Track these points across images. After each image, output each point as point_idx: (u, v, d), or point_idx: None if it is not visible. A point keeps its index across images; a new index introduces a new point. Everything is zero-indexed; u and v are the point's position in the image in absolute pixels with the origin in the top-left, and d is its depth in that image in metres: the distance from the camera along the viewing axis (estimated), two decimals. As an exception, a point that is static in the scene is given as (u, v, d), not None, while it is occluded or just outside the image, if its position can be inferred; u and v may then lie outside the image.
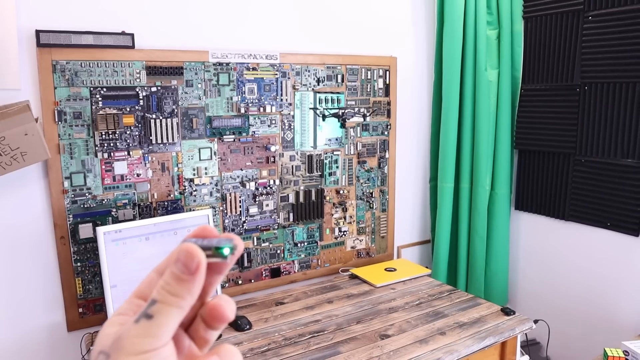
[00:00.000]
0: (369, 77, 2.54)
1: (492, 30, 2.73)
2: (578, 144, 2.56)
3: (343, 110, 2.32)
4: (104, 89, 1.92)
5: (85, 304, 2.00)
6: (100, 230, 1.79)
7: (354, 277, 2.53)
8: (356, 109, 2.36)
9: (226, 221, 2.24)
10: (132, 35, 1.95)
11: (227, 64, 2.15)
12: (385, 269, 2.57)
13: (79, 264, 1.96)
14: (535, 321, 2.19)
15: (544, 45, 2.68)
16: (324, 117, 2.26)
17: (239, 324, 1.98)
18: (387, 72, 2.60)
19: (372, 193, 2.65)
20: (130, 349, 0.34)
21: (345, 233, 2.59)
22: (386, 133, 2.64)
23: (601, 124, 2.46)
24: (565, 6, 2.56)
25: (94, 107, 1.91)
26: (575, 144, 2.58)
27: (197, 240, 0.37)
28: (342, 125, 2.48)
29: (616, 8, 2.35)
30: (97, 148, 1.94)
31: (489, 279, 2.87)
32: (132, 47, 1.96)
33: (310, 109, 2.35)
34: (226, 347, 0.40)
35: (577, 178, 2.60)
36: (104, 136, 1.94)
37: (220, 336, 1.91)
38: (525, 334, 2.20)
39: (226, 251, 0.37)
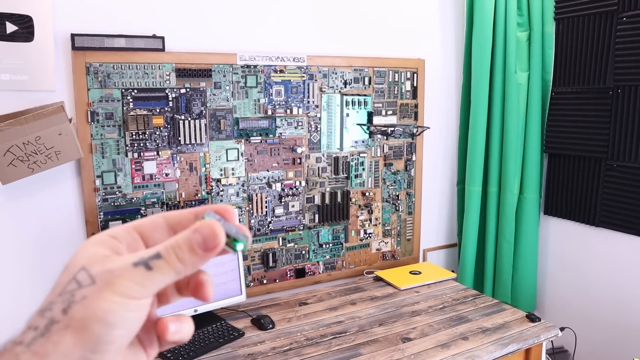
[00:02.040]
0: (396, 79, 2.54)
1: (522, 32, 2.70)
2: (610, 149, 2.51)
3: (392, 129, 2.32)
4: (135, 91, 1.98)
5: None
6: (129, 228, 1.83)
7: (378, 279, 2.53)
8: (403, 128, 2.35)
9: (252, 221, 2.28)
10: (162, 38, 2.00)
11: (255, 66, 2.19)
12: (410, 272, 2.57)
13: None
14: (562, 329, 2.16)
15: (576, 47, 2.64)
16: (370, 134, 2.28)
17: (262, 323, 2.00)
18: (415, 75, 2.59)
19: (398, 195, 2.64)
20: (118, 288, 0.33)
21: (370, 235, 2.60)
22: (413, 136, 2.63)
23: (634, 128, 2.40)
24: (598, 7, 2.51)
25: (125, 108, 1.97)
26: (607, 149, 2.52)
27: (219, 219, 0.37)
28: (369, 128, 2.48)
29: (651, 10, 2.29)
30: (127, 148, 1.99)
31: (517, 284, 2.84)
32: (163, 49, 2.01)
33: (357, 124, 2.37)
34: (188, 319, 0.40)
35: (608, 183, 2.54)
36: (134, 136, 1.99)
37: (242, 333, 1.94)
38: (552, 341, 2.17)
39: (239, 247, 0.37)
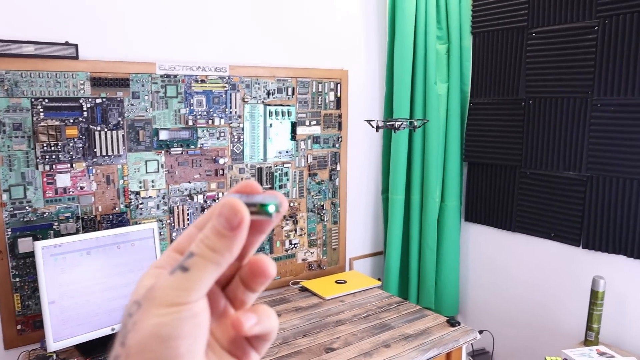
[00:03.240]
0: (320, 89, 2.56)
1: (442, 44, 2.79)
2: (524, 157, 2.63)
3: (399, 122, 2.34)
4: (46, 100, 1.89)
5: (24, 320, 1.95)
6: (38, 245, 1.74)
7: (304, 289, 2.53)
8: (407, 121, 2.39)
9: (174, 234, 2.22)
10: (76, 45, 1.92)
11: (175, 76, 2.14)
12: (336, 282, 2.58)
13: (17, 279, 1.91)
14: (480, 331, 2.23)
15: (492, 60, 2.76)
16: (377, 128, 2.30)
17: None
18: (339, 85, 2.63)
19: (323, 205, 2.66)
20: (161, 299, 0.33)
21: (296, 245, 2.59)
22: (337, 145, 2.66)
23: (545, 138, 2.53)
24: (510, 22, 2.63)
25: (35, 119, 1.87)
26: (521, 157, 2.65)
27: (240, 196, 0.35)
28: (293, 138, 2.49)
29: (557, 25, 2.43)
30: (38, 160, 1.89)
31: (440, 290, 2.92)
32: (76, 57, 1.93)
33: (364, 120, 2.41)
34: (264, 307, 0.38)
35: (522, 190, 2.67)
36: (45, 148, 1.90)
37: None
38: (472, 344, 2.24)
39: (271, 208, 0.35)
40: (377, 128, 2.34)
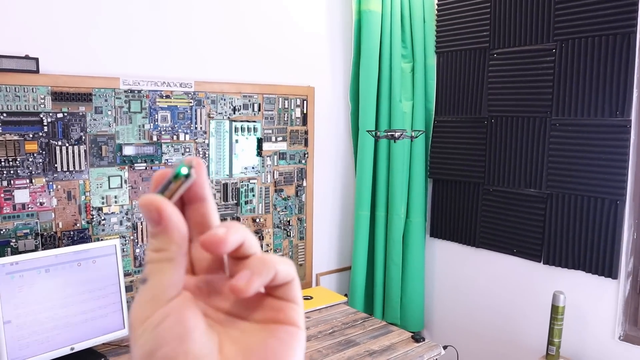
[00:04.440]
0: (286, 106, 2.57)
1: (406, 63, 2.84)
2: (487, 174, 2.69)
3: (399, 133, 2.35)
4: (4, 114, 1.84)
5: (-21, 340, 1.88)
6: (-5, 262, 1.69)
7: (270, 306, 2.51)
8: (404, 132, 2.42)
9: (137, 250, 2.19)
10: (36, 59, 1.89)
11: (139, 91, 2.13)
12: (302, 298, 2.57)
13: (-28, 298, 1.85)
14: (445, 347, 2.25)
15: (455, 79, 2.82)
16: (377, 138, 2.36)
17: None
18: (305, 102, 2.64)
19: (289, 221, 2.66)
20: (135, 320, 0.32)
21: (262, 261, 2.57)
22: (304, 162, 2.67)
23: (506, 155, 2.59)
24: (473, 43, 2.70)
25: (-7, 133, 1.83)
26: (484, 174, 2.70)
27: (156, 189, 0.33)
28: (259, 154, 2.49)
29: (517, 47, 2.51)
30: (-5, 176, 1.85)
31: (405, 305, 2.93)
32: (37, 71, 1.90)
33: (367, 131, 2.48)
34: (256, 256, 0.34)
35: (486, 207, 2.72)
36: (3, 163, 1.86)
37: None
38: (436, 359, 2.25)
39: (184, 170, 0.32)
40: (377, 138, 2.37)
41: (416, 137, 2.58)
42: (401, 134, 2.37)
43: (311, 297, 2.58)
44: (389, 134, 2.39)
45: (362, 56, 2.75)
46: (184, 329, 0.32)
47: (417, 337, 2.17)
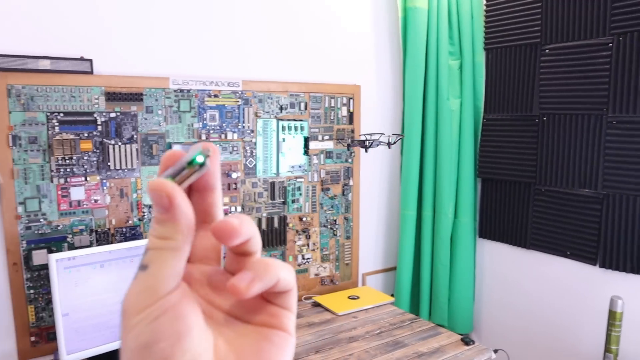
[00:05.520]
0: (332, 104, 2.56)
1: (454, 60, 2.79)
2: (538, 174, 2.61)
3: (370, 140, 2.31)
4: (61, 114, 1.91)
5: (38, 332, 1.95)
6: (52, 257, 1.75)
7: (316, 305, 2.51)
8: (381, 137, 2.35)
9: (186, 248, 2.22)
10: (90, 60, 1.95)
11: (188, 90, 2.16)
12: (349, 297, 2.56)
13: (32, 291, 1.92)
14: (495, 351, 2.19)
15: (505, 76, 2.75)
16: (348, 146, 2.27)
17: (194, 354, 1.94)
18: (351, 100, 2.63)
19: (335, 220, 2.65)
20: (132, 308, 0.31)
21: (308, 260, 2.58)
22: (350, 160, 2.66)
23: (559, 154, 2.51)
24: (523, 39, 2.63)
25: (50, 132, 1.89)
26: (535, 174, 2.62)
27: (166, 172, 0.32)
28: (306, 153, 2.49)
29: (571, 42, 2.42)
30: (53, 173, 1.91)
31: (453, 307, 2.88)
32: (91, 72, 1.95)
33: (335, 139, 2.41)
34: (259, 259, 0.34)
35: (537, 207, 2.64)
36: (60, 161, 1.92)
37: None
38: (486, 363, 2.20)
39: (199, 159, 0.31)
40: (349, 146, 2.31)
41: (394, 142, 2.44)
42: (372, 142, 2.26)
43: (358, 297, 2.56)
44: (356, 141, 2.29)
45: (407, 54, 2.72)
46: (184, 326, 0.31)
47: (466, 340, 2.12)
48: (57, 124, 1.90)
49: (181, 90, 2.14)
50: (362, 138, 2.17)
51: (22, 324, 1.92)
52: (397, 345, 2.09)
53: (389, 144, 2.35)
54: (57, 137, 1.90)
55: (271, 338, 0.35)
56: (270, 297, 0.35)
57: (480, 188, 2.96)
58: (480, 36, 2.83)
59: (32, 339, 1.95)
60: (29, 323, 1.93)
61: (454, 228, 2.85)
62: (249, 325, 0.35)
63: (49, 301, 1.94)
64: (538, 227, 2.64)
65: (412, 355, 2.00)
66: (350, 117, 2.64)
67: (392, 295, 2.79)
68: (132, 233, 2.09)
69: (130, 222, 2.09)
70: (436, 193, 2.80)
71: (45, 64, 1.86)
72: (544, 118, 2.56)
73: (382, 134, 2.36)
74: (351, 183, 2.68)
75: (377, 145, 2.29)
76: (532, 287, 2.72)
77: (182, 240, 0.31)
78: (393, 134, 2.57)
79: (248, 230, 0.33)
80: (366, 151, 2.37)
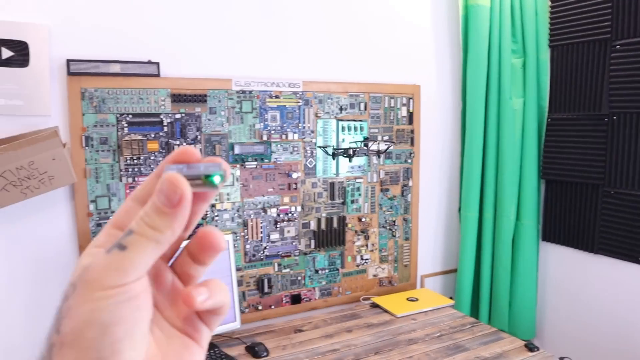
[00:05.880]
0: (392, 105, 2.54)
1: (517, 58, 2.72)
2: (607, 175, 2.50)
3: (354, 149, 2.28)
4: (130, 116, 1.98)
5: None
6: (121, 253, 1.81)
7: (375, 306, 2.50)
8: (371, 144, 2.30)
9: (247, 246, 2.26)
10: (157, 64, 2.01)
11: (250, 91, 2.19)
12: (407, 299, 2.54)
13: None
14: (561, 358, 2.12)
15: (571, 74, 2.65)
16: (333, 155, 2.26)
17: (256, 351, 1.97)
18: (411, 100, 2.60)
19: (394, 221, 2.63)
20: (97, 282, 0.30)
21: (367, 261, 2.57)
22: (410, 161, 2.63)
23: (631, 155, 2.40)
24: (592, 35, 2.53)
25: (119, 133, 1.97)
26: (604, 175, 2.52)
27: (181, 168, 0.33)
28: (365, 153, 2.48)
29: (644, 37, 2.31)
30: (122, 173, 1.98)
31: (515, 311, 2.80)
32: (158, 75, 2.01)
33: (318, 147, 2.34)
34: (215, 280, 0.37)
35: (606, 210, 2.53)
36: (128, 161, 1.99)
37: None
38: (551, 370, 2.13)
39: (217, 179, 0.33)
40: (334, 155, 2.23)
41: (384, 151, 2.29)
42: (357, 151, 2.15)
43: (417, 299, 2.53)
44: (340, 150, 2.16)
45: (469, 52, 2.67)
46: (141, 317, 0.32)
47: (530, 346, 2.06)
48: (126, 125, 1.97)
49: (243, 92, 2.18)
50: (347, 148, 2.10)
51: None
52: (458, 349, 2.05)
53: (378, 153, 2.25)
54: (126, 138, 1.97)
55: (191, 349, 0.37)
56: (202, 314, 0.37)
57: (544, 190, 2.86)
58: (545, 33, 2.74)
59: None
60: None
61: (516, 231, 2.78)
62: (175, 330, 0.36)
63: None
64: (606, 230, 2.54)
65: (473, 359, 1.96)
66: (410, 118, 2.61)
67: (451, 297, 2.75)
68: (195, 231, 2.14)
69: (193, 220, 2.13)
70: (498, 195, 2.73)
71: (115, 68, 1.93)
72: (614, 117, 2.46)
73: (373, 141, 2.25)
74: (410, 184, 2.65)
75: (364, 154, 2.21)
76: (600, 294, 2.61)
77: (169, 237, 0.32)
78: (384, 141, 2.41)
79: (223, 249, 0.36)
80: (350, 160, 2.29)
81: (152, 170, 2.03)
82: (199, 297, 0.35)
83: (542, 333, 2.92)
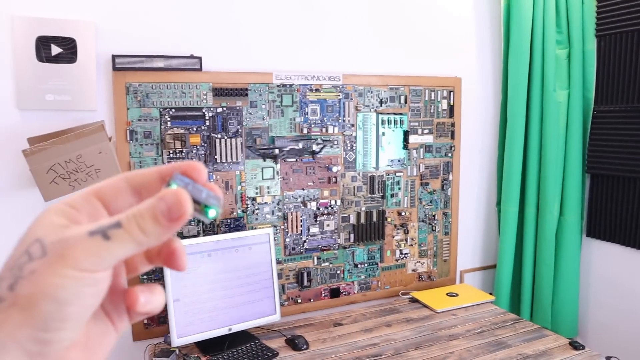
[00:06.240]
0: (432, 98, 2.51)
1: (561, 49, 2.65)
2: (656, 169, 2.42)
3: (280, 149, 2.13)
4: (173, 110, 2.00)
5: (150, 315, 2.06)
6: (165, 245, 1.84)
7: (414, 300, 2.48)
8: (302, 145, 2.13)
9: (287, 240, 2.27)
10: (200, 58, 2.03)
11: (291, 85, 2.20)
12: (447, 294, 2.51)
13: (144, 276, 2.03)
14: (608, 358, 2.07)
15: (619, 64, 2.57)
16: (263, 157, 2.13)
17: (296, 344, 1.98)
18: (452, 93, 2.57)
19: (434, 215, 2.60)
20: (71, 261, 0.30)
21: (406, 255, 2.55)
22: (450, 155, 2.59)
23: (682, 148, 2.31)
24: (642, 24, 2.44)
25: (162, 127, 1.99)
26: (652, 169, 2.43)
27: (187, 183, 0.34)
28: (405, 147, 2.46)
29: (699, 26, 2.22)
30: (165, 166, 2.01)
31: (557, 309, 2.74)
32: (200, 69, 2.03)
33: (247, 147, 2.16)
34: (159, 288, 0.38)
35: (654, 205, 2.45)
36: (171, 154, 2.02)
37: (276, 354, 1.91)
38: (597, 369, 2.08)
39: (212, 213, 0.34)
40: (264, 157, 2.06)
41: (319, 151, 2.04)
42: (284, 152, 1.98)
43: (456, 294, 2.50)
44: (268, 151, 2.01)
45: (511, 43, 2.61)
46: (98, 302, 0.33)
47: (576, 344, 2.01)
48: (169, 119, 2.00)
49: (284, 85, 2.18)
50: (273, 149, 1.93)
51: (137, 308, 2.04)
52: (500, 345, 2.02)
53: (313, 153, 2.06)
54: (169, 132, 2.00)
55: (110, 335, 0.37)
56: (132, 309, 0.37)
57: (588, 184, 2.79)
58: (592, 22, 2.66)
59: (145, 321, 2.07)
60: (142, 307, 2.05)
61: (559, 226, 2.71)
62: (102, 314, 0.37)
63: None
64: (655, 226, 2.45)
65: (516, 356, 1.93)
66: (451, 110, 2.57)
67: (491, 293, 2.70)
68: (236, 224, 2.16)
69: (234, 213, 2.16)
70: (540, 189, 2.67)
71: (159, 63, 1.96)
72: (665, 109, 2.37)
73: (307, 139, 2.12)
74: (451, 178, 2.61)
75: (294, 155, 2.09)
76: (647, 291, 2.53)
77: (152, 243, 0.33)
78: (323, 138, 2.14)
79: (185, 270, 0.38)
80: (264, 160, 2.16)
81: (194, 163, 2.05)
82: (142, 301, 0.36)
83: (586, 331, 2.85)
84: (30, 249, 0.31)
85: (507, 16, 2.63)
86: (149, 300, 0.36)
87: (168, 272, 1.85)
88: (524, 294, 2.75)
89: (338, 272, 2.40)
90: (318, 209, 2.31)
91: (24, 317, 0.30)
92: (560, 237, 2.71)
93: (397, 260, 2.53)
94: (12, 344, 0.30)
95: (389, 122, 2.41)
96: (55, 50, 1.80)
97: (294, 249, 2.29)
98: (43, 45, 1.79)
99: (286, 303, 2.30)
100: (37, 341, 0.30)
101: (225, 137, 2.10)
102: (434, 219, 2.60)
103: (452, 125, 2.58)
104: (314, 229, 2.32)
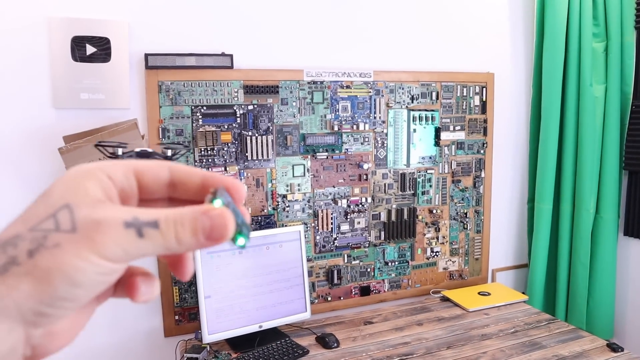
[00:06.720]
0: (464, 94, 2.47)
1: (598, 42, 2.57)
2: (698, 166, 2.34)
3: (173, 150, 1.78)
4: (204, 108, 2.01)
5: (181, 311, 2.09)
6: (197, 243, 1.85)
7: (445, 299, 2.45)
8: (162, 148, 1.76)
9: (317, 237, 2.26)
10: (231, 56, 2.03)
11: (321, 82, 2.18)
12: (479, 293, 2.47)
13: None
14: (647, 359, 2.01)
15: (659, 58, 2.48)
16: (172, 156, 1.79)
17: (326, 342, 1.97)
18: (484, 89, 2.52)
19: (466, 213, 2.56)
20: (100, 248, 0.30)
21: (437, 254, 2.52)
22: (482, 152, 2.55)
23: None
24: (684, 16, 2.36)
25: (194, 125, 2.00)
26: (694, 166, 2.35)
27: (229, 202, 0.34)
28: (437, 144, 2.43)
29: None
30: (196, 163, 2.02)
31: (592, 309, 2.68)
32: (231, 67, 2.04)
33: (160, 144, 1.89)
34: (157, 281, 0.38)
35: (696, 203, 2.37)
36: (202, 152, 2.03)
37: (307, 351, 1.91)
38: (635, 372, 2.02)
39: (241, 242, 0.34)
40: (172, 156, 1.79)
41: (170, 157, 1.77)
42: (177, 152, 1.80)
43: (489, 294, 2.47)
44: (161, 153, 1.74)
45: (545, 37, 2.54)
46: (104, 290, 0.33)
47: (614, 346, 1.96)
48: (200, 116, 2.01)
49: (314, 82, 2.17)
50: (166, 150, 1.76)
51: (168, 304, 2.07)
52: (535, 346, 1.98)
53: (166, 158, 1.76)
54: (201, 129, 2.01)
55: (93, 307, 0.37)
56: (118, 288, 0.37)
57: (626, 181, 2.71)
58: (631, 14, 2.58)
59: (176, 317, 2.09)
60: (174, 303, 2.08)
61: (595, 224, 2.64)
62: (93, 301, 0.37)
63: (191, 283, 2.07)
64: (697, 225, 2.38)
65: (551, 358, 1.89)
66: (483, 107, 2.53)
67: (523, 292, 2.66)
68: (266, 222, 2.17)
69: (265, 211, 2.16)
70: (576, 186, 2.61)
71: (191, 61, 1.97)
72: None
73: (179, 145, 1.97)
74: (483, 175, 2.57)
75: (180, 157, 1.91)
76: (688, 292, 2.45)
77: (179, 252, 0.33)
78: (169, 147, 1.83)
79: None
80: (172, 159, 1.92)
81: (224, 160, 2.06)
82: (142, 291, 0.36)
83: (622, 333, 2.78)
84: (58, 214, 0.31)
85: (541, 9, 2.57)
86: (147, 291, 0.37)
87: (199, 269, 1.86)
88: (559, 294, 2.70)
89: (368, 270, 2.39)
90: (348, 206, 2.29)
91: (35, 290, 0.29)
92: (596, 236, 2.65)
93: (428, 258, 2.51)
94: (14, 311, 0.29)
95: (420, 118, 2.38)
96: (90, 49, 1.83)
97: (324, 246, 2.28)
98: (78, 45, 1.82)
99: (316, 301, 2.30)
100: (38, 313, 0.30)
101: (256, 135, 2.10)
102: (466, 216, 2.57)
103: (485, 121, 2.54)
104: (345, 227, 2.30)
